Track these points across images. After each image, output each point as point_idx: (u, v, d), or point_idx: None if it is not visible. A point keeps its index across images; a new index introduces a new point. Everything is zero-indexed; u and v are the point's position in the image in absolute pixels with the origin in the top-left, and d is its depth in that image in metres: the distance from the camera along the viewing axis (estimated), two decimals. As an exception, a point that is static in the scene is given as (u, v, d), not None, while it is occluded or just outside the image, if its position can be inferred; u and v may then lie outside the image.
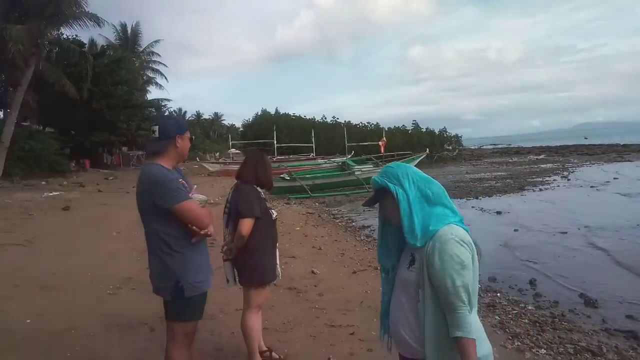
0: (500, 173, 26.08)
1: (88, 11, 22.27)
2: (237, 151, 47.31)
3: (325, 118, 52.02)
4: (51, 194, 15.60)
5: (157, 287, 2.57)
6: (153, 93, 46.01)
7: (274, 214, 3.36)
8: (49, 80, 23.18)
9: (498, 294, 5.79)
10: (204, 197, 2.67)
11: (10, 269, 5.92)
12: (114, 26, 43.23)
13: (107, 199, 14.91)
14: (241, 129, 65.98)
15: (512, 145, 69.48)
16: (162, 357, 3.19)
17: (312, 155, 34.89)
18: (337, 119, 51.45)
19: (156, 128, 2.54)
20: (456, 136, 48.90)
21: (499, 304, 5.32)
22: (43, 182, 20.16)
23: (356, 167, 22.74)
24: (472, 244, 1.67)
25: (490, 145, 74.25)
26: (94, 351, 3.56)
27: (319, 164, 25.52)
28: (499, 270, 6.88)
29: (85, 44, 30.86)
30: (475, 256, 1.66)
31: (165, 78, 47.03)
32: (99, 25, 23.36)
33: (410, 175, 1.74)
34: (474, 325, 1.61)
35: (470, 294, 1.61)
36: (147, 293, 4.92)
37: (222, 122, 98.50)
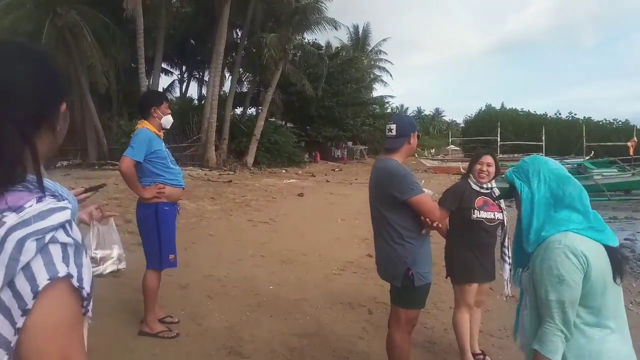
0: None
1: (327, 16, 24.68)
2: (456, 148, 46.21)
3: (560, 114, 46.92)
4: (289, 181, 17.90)
5: (386, 274, 2.75)
6: (378, 90, 48.35)
7: (482, 214, 3.20)
8: (292, 80, 26.51)
9: None
10: (430, 192, 2.79)
11: (259, 243, 7.04)
12: (347, 28, 46.77)
13: (333, 188, 16.38)
14: (462, 125, 64.10)
15: None
16: (379, 338, 3.42)
17: (542, 154, 31.73)
18: (574, 114, 45.87)
19: (393, 126, 2.67)
20: None
21: None
22: (283, 171, 23.27)
23: (596, 170, 19.77)
24: (586, 257, 1.43)
25: None
26: (320, 322, 4.00)
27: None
28: None
29: (323, 47, 34.28)
30: (594, 272, 1.43)
31: (390, 75, 48.93)
32: (335, 29, 25.69)
33: (542, 173, 1.57)
34: (561, 347, 1.44)
35: (566, 314, 1.43)
36: (366, 278, 5.33)
37: (443, 118, 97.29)
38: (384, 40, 48.67)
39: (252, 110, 31.21)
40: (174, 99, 32.68)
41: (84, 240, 0.84)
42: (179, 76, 33.87)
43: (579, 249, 1.44)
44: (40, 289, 0.71)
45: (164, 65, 27.90)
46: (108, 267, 2.30)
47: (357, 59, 36.47)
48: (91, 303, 0.83)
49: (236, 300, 4.43)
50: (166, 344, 3.40)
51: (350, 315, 4.21)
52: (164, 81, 31.65)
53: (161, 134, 3.56)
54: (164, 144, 3.55)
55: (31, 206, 0.75)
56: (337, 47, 39.98)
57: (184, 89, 34.12)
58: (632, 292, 5.61)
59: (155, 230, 3.45)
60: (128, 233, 6.36)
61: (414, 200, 2.51)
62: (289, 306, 4.33)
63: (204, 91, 29.67)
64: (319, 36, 32.68)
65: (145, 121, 3.50)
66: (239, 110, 30.19)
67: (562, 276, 1.43)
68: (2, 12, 20.13)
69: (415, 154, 46.86)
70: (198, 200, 10.59)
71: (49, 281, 0.72)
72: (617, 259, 1.48)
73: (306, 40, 27.89)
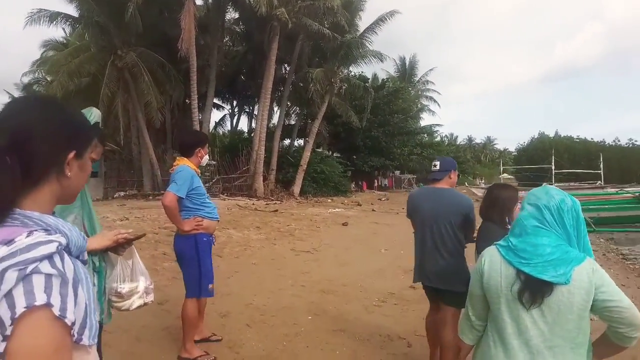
0: None
1: (372, 50, 25.06)
2: (508, 176, 44.94)
3: (619, 140, 44.76)
4: (334, 210, 17.95)
5: (448, 283, 3.21)
6: (426, 119, 48.22)
7: None
8: (338, 112, 26.92)
9: None
10: None
11: (300, 272, 7.09)
12: (394, 60, 47.28)
13: (378, 218, 16.25)
14: (515, 153, 62.30)
15: None
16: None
17: (600, 183, 30.23)
18: (635, 141, 43.71)
19: (437, 163, 3.45)
20: None
21: None
22: (329, 200, 23.37)
23: (662, 199, 18.58)
24: (481, 271, 1.71)
25: None
26: (357, 354, 3.94)
27: (608, 194, 21.83)
28: None
29: (369, 79, 34.75)
30: (485, 281, 1.68)
31: (438, 104, 48.65)
32: (381, 61, 26.00)
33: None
34: (466, 331, 1.86)
35: (467, 305, 1.85)
36: (407, 310, 5.23)
37: (494, 146, 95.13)
38: (430, 70, 49.03)
39: (299, 142, 31.82)
40: (226, 132, 33.91)
41: (81, 274, 0.90)
42: (230, 110, 35.22)
43: (483, 258, 1.73)
44: (17, 315, 0.77)
45: (215, 101, 29.11)
46: (135, 301, 2.35)
47: (404, 89, 36.60)
48: (88, 331, 0.88)
49: (274, 329, 4.46)
50: (203, 370, 3.47)
51: (389, 347, 4.14)
52: (215, 115, 32.98)
53: (198, 171, 3.74)
54: (200, 180, 3.72)
55: (20, 240, 0.82)
56: (383, 79, 40.34)
57: (234, 123, 35.38)
58: None
59: (195, 260, 3.58)
60: (175, 262, 6.57)
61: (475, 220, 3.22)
62: (327, 337, 4.31)
63: (253, 124, 30.60)
64: (365, 69, 33.30)
65: (186, 159, 3.68)
66: (286, 142, 30.84)
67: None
68: (70, 55, 21.92)
69: (466, 183, 45.85)
70: (244, 229, 10.82)
71: (25, 309, 0.77)
72: (532, 286, 1.55)
73: (352, 73, 28.37)
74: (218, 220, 3.83)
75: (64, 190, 0.97)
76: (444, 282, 3.22)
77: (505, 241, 1.69)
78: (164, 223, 10.03)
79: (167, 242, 7.86)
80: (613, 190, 23.78)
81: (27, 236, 0.84)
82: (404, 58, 48.70)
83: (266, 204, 18.18)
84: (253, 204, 17.67)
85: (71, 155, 0.95)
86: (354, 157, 33.28)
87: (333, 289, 6.10)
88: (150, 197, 20.23)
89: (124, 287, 2.28)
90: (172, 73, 22.05)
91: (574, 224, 1.63)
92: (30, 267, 0.79)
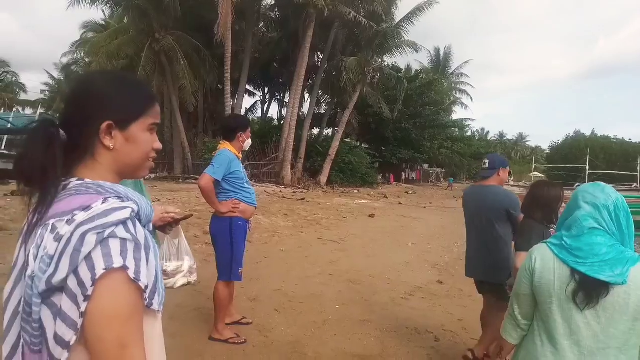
0: None
1: (408, 40, 24.72)
2: (540, 175, 43.87)
3: (659, 142, 42.93)
4: (361, 201, 17.92)
5: (493, 276, 3.37)
6: (457, 113, 47.47)
7: None
8: (369, 102, 26.74)
9: None
10: None
11: (327, 261, 7.13)
12: (429, 51, 46.59)
13: (405, 211, 16.15)
14: (547, 152, 60.76)
15: None
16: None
17: (636, 185, 29.18)
18: (679, 142, 41.81)
19: (487, 161, 3.57)
20: None
21: None
22: (356, 191, 23.33)
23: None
24: (531, 269, 1.67)
25: None
26: (384, 345, 3.96)
27: (646, 198, 21.10)
28: None
29: (402, 69, 34.34)
30: (536, 280, 1.65)
31: (471, 98, 47.78)
32: (416, 52, 25.66)
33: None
34: (510, 330, 1.81)
35: (513, 304, 1.79)
36: (434, 305, 5.21)
37: (527, 143, 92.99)
38: (465, 62, 48.17)
39: (328, 131, 31.78)
40: (256, 118, 34.15)
41: (151, 241, 0.93)
42: (261, 97, 35.44)
43: (534, 256, 1.69)
44: (97, 277, 0.82)
45: (248, 87, 29.35)
46: (179, 280, 2.42)
47: (437, 81, 36.06)
48: (157, 297, 0.92)
49: (302, 316, 4.52)
50: (233, 352, 3.56)
51: (416, 340, 4.14)
52: (247, 102, 33.17)
53: (240, 155, 3.78)
54: (241, 165, 3.76)
55: (97, 205, 0.88)
56: (417, 70, 39.82)
57: (265, 110, 35.59)
58: None
59: (229, 243, 3.64)
60: (206, 244, 6.71)
61: (519, 217, 3.14)
62: (354, 326, 4.34)
63: (283, 112, 30.72)
64: (399, 59, 32.92)
65: (228, 142, 3.73)
66: (315, 131, 30.85)
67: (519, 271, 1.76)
68: (109, 37, 22.41)
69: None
70: (272, 216, 10.93)
71: (104, 270, 0.82)
72: (587, 286, 1.52)
73: (386, 63, 28.07)
74: (255, 207, 3.87)
75: (117, 162, 1.00)
76: (485, 275, 3.47)
77: (558, 239, 1.65)
78: (195, 206, 10.22)
79: (198, 225, 8.01)
80: (651, 193, 22.96)
81: (103, 202, 0.89)
82: (439, 49, 47.96)
83: (293, 192, 18.29)
84: (280, 191, 17.81)
85: (104, 125, 0.96)
86: (383, 148, 33.04)
87: (360, 279, 6.12)
88: (181, 180, 20.62)
89: (170, 266, 2.34)
90: (207, 58, 22.30)
91: (626, 223, 1.59)
92: (108, 231, 0.84)
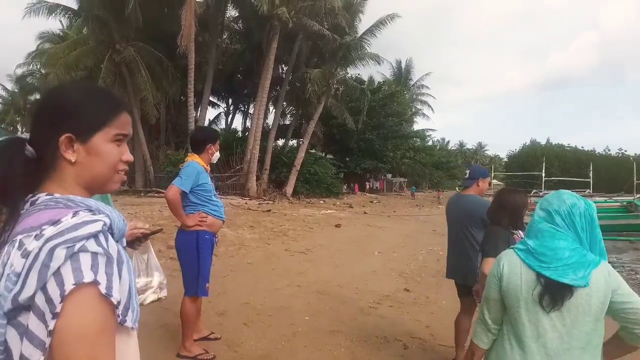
0: None
1: (370, 52, 25.17)
2: (498, 183, 45.29)
3: (609, 150, 45.31)
4: (327, 212, 17.98)
5: (465, 279, 3.61)
6: (419, 123, 48.42)
7: None
8: (334, 114, 26.99)
9: None
10: None
11: (295, 272, 7.11)
12: (391, 63, 47.47)
13: (370, 220, 16.32)
14: (505, 160, 62.78)
15: None
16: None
17: (589, 192, 30.52)
18: (624, 151, 44.46)
19: (468, 171, 3.90)
20: None
21: None
22: (321, 201, 23.40)
23: (646, 209, 18.92)
24: (499, 275, 1.73)
25: None
26: (354, 355, 3.98)
27: (597, 203, 22.09)
28: None
29: (365, 81, 34.87)
30: (504, 284, 1.70)
31: (432, 109, 48.95)
32: (378, 64, 26.17)
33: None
34: (481, 334, 1.84)
35: (483, 309, 1.83)
36: (402, 312, 5.28)
37: (486, 152, 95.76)
38: (426, 74, 49.14)
39: (293, 142, 31.83)
40: (219, 130, 33.83)
41: (124, 255, 0.91)
42: (225, 109, 35.17)
43: (501, 262, 1.75)
44: (66, 293, 0.78)
45: (211, 98, 29.08)
46: (149, 296, 2.35)
47: (399, 93, 36.78)
48: (131, 313, 0.89)
49: (271, 329, 4.49)
50: (202, 368, 3.49)
51: (386, 349, 4.18)
52: (210, 113, 32.94)
53: (208, 168, 3.75)
54: (209, 177, 3.73)
55: (66, 219, 0.85)
56: (379, 82, 40.50)
57: (229, 121, 35.33)
58: None
59: (195, 258, 3.57)
60: (171, 259, 6.57)
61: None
62: (324, 337, 4.34)
63: (248, 123, 30.58)
64: (362, 71, 33.51)
65: (196, 155, 3.69)
66: (281, 142, 30.82)
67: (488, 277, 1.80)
68: (67, 48, 21.77)
69: (457, 188, 46.19)
70: (238, 228, 10.82)
71: (74, 285, 0.79)
72: (552, 289, 1.58)
73: (349, 75, 28.46)
74: (223, 221, 3.83)
75: (82, 176, 0.97)
76: (461, 277, 3.68)
77: (524, 244, 1.71)
78: (158, 220, 10.01)
79: (162, 239, 7.84)
80: (601, 199, 24.07)
81: (73, 216, 0.86)
82: (400, 62, 49.00)
83: (259, 204, 18.17)
84: (246, 203, 17.66)
85: (62, 138, 0.94)
86: (347, 159, 33.37)
87: (328, 289, 6.13)
88: (142, 194, 20.14)
89: (139, 282, 2.29)
90: (169, 69, 21.99)
91: (587, 227, 1.66)
92: (78, 245, 0.81)
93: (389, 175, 44.45)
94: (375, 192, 38.96)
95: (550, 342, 1.60)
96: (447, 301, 5.94)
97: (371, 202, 27.52)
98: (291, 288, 6.12)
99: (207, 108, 25.49)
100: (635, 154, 42.97)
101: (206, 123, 27.19)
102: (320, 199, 24.56)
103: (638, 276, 9.65)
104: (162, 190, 15.01)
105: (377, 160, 34.11)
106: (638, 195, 24.26)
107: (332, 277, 6.86)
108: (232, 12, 25.30)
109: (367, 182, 40.28)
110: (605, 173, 35.60)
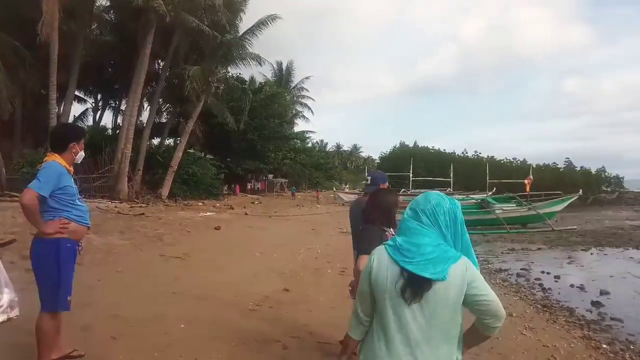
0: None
1: (252, 52, 25.01)
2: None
3: (466, 152, 50.45)
4: (206, 214, 17.49)
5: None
6: (300, 125, 49.33)
7: None
8: (214, 112, 26.33)
9: None
10: None
11: (170, 279, 6.77)
12: (272, 64, 47.64)
13: (252, 221, 16.24)
14: (378, 161, 66.79)
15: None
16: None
17: (449, 190, 33.71)
18: (479, 153, 49.66)
19: (369, 177, 4.02)
20: (617, 177, 43.79)
21: None
22: (200, 203, 22.70)
23: (497, 205, 21.50)
24: (369, 269, 1.80)
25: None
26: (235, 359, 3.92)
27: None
28: None
29: (247, 81, 34.56)
30: (372, 277, 1.78)
31: (312, 111, 50.11)
32: (260, 64, 26.13)
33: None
34: (354, 325, 1.91)
35: (357, 300, 1.90)
36: (282, 314, 5.31)
37: (360, 153, 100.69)
38: (306, 78, 50.19)
39: (170, 141, 30.43)
40: (86, 127, 31.03)
41: None
42: (93, 104, 32.33)
43: (372, 257, 1.84)
44: None
45: (77, 93, 26.57)
46: None
47: (281, 94, 37.15)
48: None
49: (144, 340, 4.21)
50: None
51: (266, 351, 4.17)
52: (76, 109, 29.95)
53: (71, 169, 3.39)
54: (72, 179, 3.37)
55: None
56: (260, 83, 40.44)
57: (97, 118, 32.55)
58: (525, 317, 6.11)
59: (55, 269, 3.21)
60: (25, 271, 5.83)
61: None
62: (202, 344, 4.19)
63: (119, 121, 28.50)
64: (243, 71, 33.00)
65: (57, 155, 3.31)
66: (156, 141, 29.25)
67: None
68: None
69: (334, 188, 47.98)
70: (106, 234, 10.01)
71: None
72: (414, 283, 1.68)
73: (230, 74, 28.01)
74: (88, 227, 3.49)
75: None
76: None
77: (393, 241, 1.81)
78: (10, 227, 8.88)
79: (15, 248, 6.98)
80: (460, 196, 26.75)
81: None
82: (282, 63, 49.50)
83: (130, 207, 17.07)
84: (116, 206, 16.46)
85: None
86: (228, 159, 32.81)
87: (207, 294, 5.94)
88: (-9, 197, 17.65)
89: None
90: (27, 59, 19.59)
91: (450, 225, 1.81)
92: None
93: (271, 176, 44.67)
94: (257, 193, 38.86)
95: (412, 333, 1.70)
96: (325, 298, 6.14)
97: (252, 203, 27.40)
98: (166, 296, 5.81)
99: (71, 103, 23.20)
100: (488, 155, 48.13)
101: (71, 119, 24.75)
102: (199, 200, 23.80)
103: (489, 266, 10.90)
104: (16, 194, 13.34)
105: (259, 160, 34.09)
106: (490, 193, 27.36)
107: (211, 282, 6.67)
108: (102, 0, 23.42)
109: (248, 183, 39.99)
110: (463, 173, 39.38)
